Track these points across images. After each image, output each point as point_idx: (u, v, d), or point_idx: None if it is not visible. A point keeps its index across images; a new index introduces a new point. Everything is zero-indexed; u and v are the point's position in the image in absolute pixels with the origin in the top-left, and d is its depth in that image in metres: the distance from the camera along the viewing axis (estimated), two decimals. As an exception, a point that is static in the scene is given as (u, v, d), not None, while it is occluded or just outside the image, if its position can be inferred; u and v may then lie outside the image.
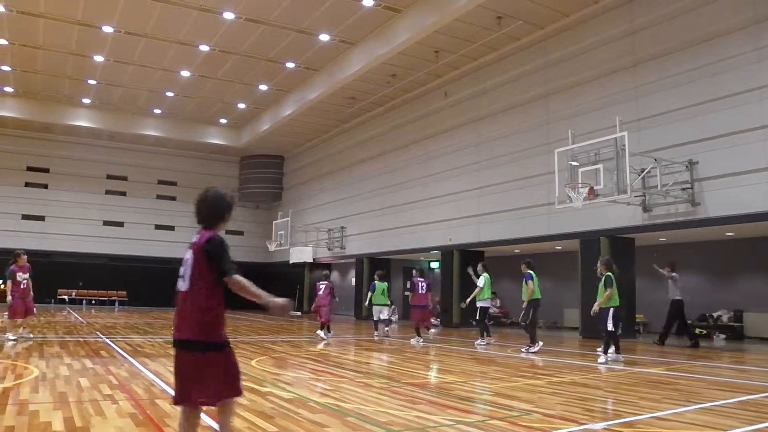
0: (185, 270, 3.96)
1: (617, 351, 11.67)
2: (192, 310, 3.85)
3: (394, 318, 27.97)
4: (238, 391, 4.00)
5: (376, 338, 17.31)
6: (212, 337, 3.86)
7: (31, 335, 13.85)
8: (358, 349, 14.06)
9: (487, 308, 15.70)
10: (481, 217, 22.35)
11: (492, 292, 16.75)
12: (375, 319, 18.05)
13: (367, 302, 18.04)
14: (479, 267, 15.67)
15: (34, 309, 13.95)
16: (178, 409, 5.90)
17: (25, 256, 13.73)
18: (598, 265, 11.84)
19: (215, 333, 3.88)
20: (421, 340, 15.69)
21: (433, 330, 18.30)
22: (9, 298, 13.28)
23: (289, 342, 15.26)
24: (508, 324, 23.90)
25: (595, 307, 11.66)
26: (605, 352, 11.42)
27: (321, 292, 17.68)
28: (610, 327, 11.36)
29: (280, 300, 3.88)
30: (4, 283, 13.58)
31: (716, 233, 17.37)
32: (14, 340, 12.83)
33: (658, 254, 17.46)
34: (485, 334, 15.42)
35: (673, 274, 15.76)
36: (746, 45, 14.90)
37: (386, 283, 18.30)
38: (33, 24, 21.95)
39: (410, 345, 14.81)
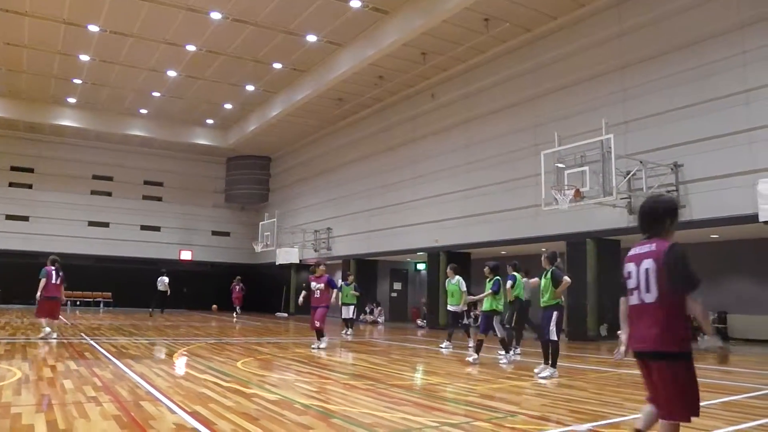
0: (642, 281, 3.86)
1: (554, 363, 9.73)
2: (658, 321, 3.77)
3: (381, 319, 28.02)
4: (686, 416, 3.78)
5: (343, 335, 18.10)
6: (674, 347, 3.77)
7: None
8: (344, 351, 14.04)
9: (459, 313, 15.09)
10: (468, 218, 22.37)
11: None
12: (344, 317, 19.25)
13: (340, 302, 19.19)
14: (449, 270, 15.02)
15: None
16: (163, 410, 5.88)
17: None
18: (542, 258, 10.11)
19: (680, 343, 3.79)
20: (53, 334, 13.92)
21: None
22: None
23: (275, 343, 15.22)
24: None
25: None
26: (554, 365, 9.68)
27: (237, 289, 28.94)
28: (553, 336, 9.60)
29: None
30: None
31: (701, 235, 17.48)
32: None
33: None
34: (450, 338, 14.89)
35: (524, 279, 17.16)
36: (732, 48, 15.02)
37: (353, 285, 19.78)
38: (18, 22, 21.74)
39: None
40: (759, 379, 9.88)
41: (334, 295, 13.90)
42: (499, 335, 11.65)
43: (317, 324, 13.53)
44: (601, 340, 17.43)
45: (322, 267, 14.07)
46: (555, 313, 9.69)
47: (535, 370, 9.75)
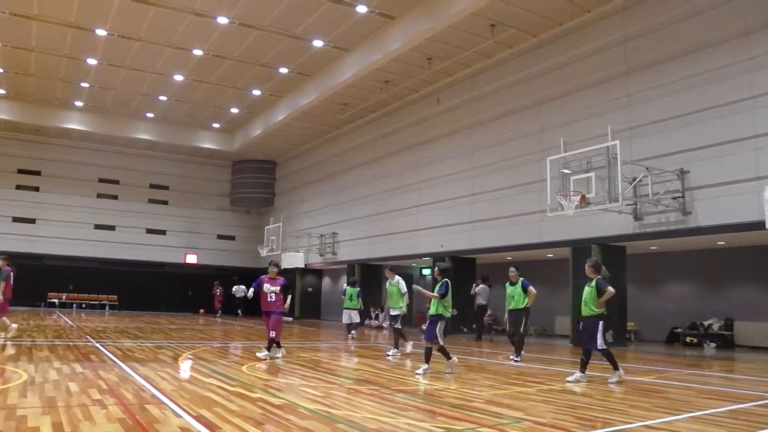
0: None
1: (583, 369, 9.85)
2: None
3: (385, 324, 27.92)
4: None
5: (349, 341, 17.78)
6: None
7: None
8: (348, 355, 14.03)
9: (398, 316, 14.16)
10: (473, 223, 22.36)
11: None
12: (345, 322, 18.54)
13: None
14: (387, 270, 14.63)
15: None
16: (168, 414, 5.88)
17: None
18: (586, 267, 10.15)
19: None
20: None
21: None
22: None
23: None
24: (500, 331, 23.88)
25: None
26: (616, 368, 9.72)
27: (218, 293, 32.87)
28: (600, 344, 9.63)
29: None
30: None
31: (707, 242, 17.45)
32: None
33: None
34: (403, 341, 14.11)
35: (482, 286, 20.09)
36: (738, 55, 15.00)
37: (357, 289, 18.69)
38: (26, 26, 21.86)
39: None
40: (765, 386, 9.82)
41: (288, 301, 12.21)
42: (439, 342, 10.17)
43: (272, 334, 11.95)
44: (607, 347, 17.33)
45: (274, 268, 12.33)
46: (600, 323, 9.71)
47: (568, 379, 9.81)
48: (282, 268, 33.19)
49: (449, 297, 10.33)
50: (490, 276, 20.58)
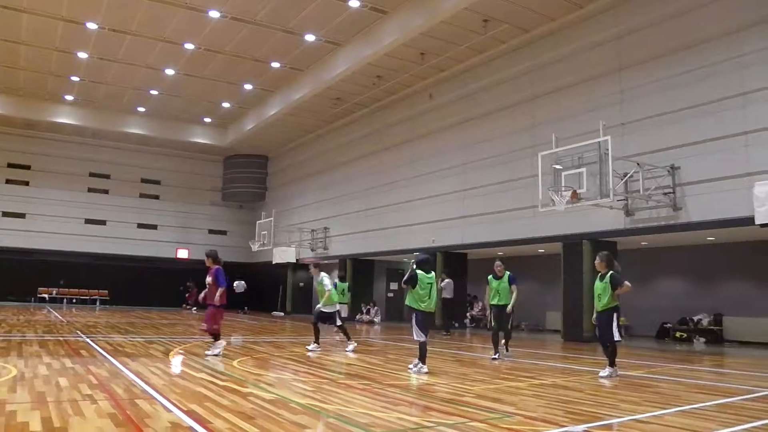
0: None
1: (613, 362, 9.85)
2: None
3: (377, 319, 27.97)
4: None
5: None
6: None
7: None
8: (340, 351, 14.03)
9: (330, 313, 13.61)
10: (465, 219, 22.39)
11: (474, 296, 16.71)
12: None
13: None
14: (311, 268, 14.20)
15: None
16: (159, 409, 5.87)
17: None
18: (597, 261, 10.11)
19: None
20: None
21: None
22: None
23: (272, 342, 15.21)
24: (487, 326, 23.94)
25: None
26: (612, 364, 9.77)
27: (192, 291, 31.22)
28: (617, 336, 9.67)
29: None
30: None
31: (697, 238, 17.52)
32: None
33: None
34: (346, 338, 13.73)
35: (447, 280, 20.33)
36: (729, 52, 15.06)
37: (347, 284, 18.59)
38: (16, 19, 21.72)
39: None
40: (754, 381, 9.89)
41: (218, 294, 11.16)
42: (415, 338, 9.69)
43: (207, 326, 11.44)
44: (596, 341, 17.42)
45: (208, 259, 11.50)
46: (615, 315, 9.80)
47: (601, 374, 9.83)
48: (274, 263, 33.39)
49: (422, 289, 9.59)
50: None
